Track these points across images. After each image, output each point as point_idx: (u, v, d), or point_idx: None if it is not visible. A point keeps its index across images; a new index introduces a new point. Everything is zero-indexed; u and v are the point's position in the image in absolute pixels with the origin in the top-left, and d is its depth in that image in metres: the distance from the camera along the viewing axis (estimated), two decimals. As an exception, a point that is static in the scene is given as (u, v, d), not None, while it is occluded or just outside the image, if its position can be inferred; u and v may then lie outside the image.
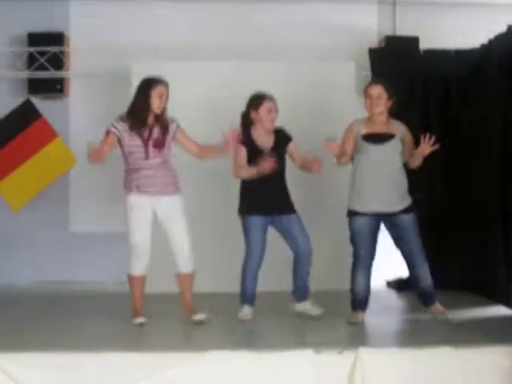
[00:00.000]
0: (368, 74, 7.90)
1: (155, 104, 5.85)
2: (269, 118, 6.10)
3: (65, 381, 4.79)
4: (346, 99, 7.55)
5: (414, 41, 8.13)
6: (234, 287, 6.29)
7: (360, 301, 6.10)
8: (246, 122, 6.20)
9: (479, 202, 6.94)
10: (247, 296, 6.19)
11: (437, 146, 5.95)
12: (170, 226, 5.95)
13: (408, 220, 6.00)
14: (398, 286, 7.71)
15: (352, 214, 6.03)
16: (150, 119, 5.91)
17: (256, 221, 6.08)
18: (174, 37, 8.19)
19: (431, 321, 6.05)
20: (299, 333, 5.74)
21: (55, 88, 8.28)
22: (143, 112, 5.87)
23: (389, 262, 7.93)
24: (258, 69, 7.61)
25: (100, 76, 8.22)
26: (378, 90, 6.05)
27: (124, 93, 7.67)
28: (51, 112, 8.00)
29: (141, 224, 5.89)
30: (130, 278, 6.05)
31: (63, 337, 5.55)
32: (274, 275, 6.75)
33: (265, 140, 6.17)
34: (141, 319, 5.93)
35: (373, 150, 5.98)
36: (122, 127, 5.90)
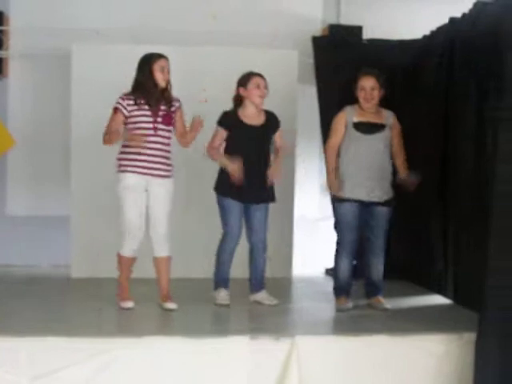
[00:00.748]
0: (311, 61, 7.91)
1: (159, 77, 5.81)
2: (257, 93, 6.07)
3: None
4: (288, 87, 7.55)
5: (358, 30, 8.14)
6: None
7: (344, 286, 6.15)
8: (236, 102, 6.19)
9: (418, 193, 7.00)
10: (223, 279, 6.19)
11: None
12: (153, 208, 5.87)
13: (384, 212, 6.10)
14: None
15: (338, 200, 6.10)
16: (157, 94, 5.83)
17: (232, 204, 6.07)
18: (116, 19, 8.08)
19: (368, 309, 6.11)
20: (237, 319, 5.74)
21: (-6, 68, 8.12)
22: (149, 86, 5.80)
23: (328, 250, 8.02)
24: (200, 54, 7.59)
25: (40, 57, 8.06)
26: (371, 83, 6.07)
27: (64, 74, 7.63)
28: (-11, 92, 7.85)
29: (136, 205, 5.79)
30: (120, 258, 5.96)
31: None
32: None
33: (254, 119, 6.15)
34: (129, 303, 5.88)
35: (363, 139, 6.02)
36: (128, 103, 5.80)
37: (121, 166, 5.83)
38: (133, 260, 5.99)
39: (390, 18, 8.33)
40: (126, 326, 5.50)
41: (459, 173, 6.27)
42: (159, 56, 5.88)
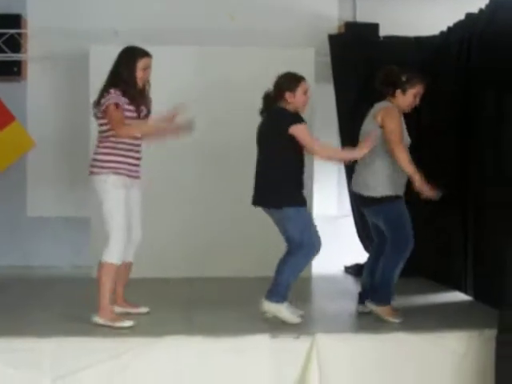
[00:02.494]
0: (328, 60, 7.91)
1: (140, 76, 5.48)
2: (304, 101, 5.66)
3: (21, 366, 4.78)
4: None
5: (374, 27, 8.14)
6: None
7: (392, 294, 5.74)
8: (270, 101, 5.69)
9: (438, 189, 6.99)
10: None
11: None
12: (134, 211, 5.60)
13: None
14: (355, 271, 7.75)
15: (395, 198, 5.69)
16: (138, 94, 5.50)
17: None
18: (134, 20, 8.12)
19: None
20: (257, 318, 5.75)
21: (12, 71, 8.15)
22: (132, 85, 5.45)
23: (347, 248, 8.03)
24: (217, 54, 7.61)
25: (58, 59, 8.11)
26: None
27: (82, 75, 7.66)
28: (8, 95, 7.90)
29: (122, 207, 5.39)
30: (110, 267, 5.39)
31: (19, 322, 5.51)
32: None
33: None
34: (129, 323, 5.35)
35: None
36: (118, 97, 5.36)
37: (111, 167, 5.37)
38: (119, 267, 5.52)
39: (406, 14, 8.31)
40: (146, 325, 5.51)
41: (479, 170, 6.24)
42: (144, 53, 5.57)
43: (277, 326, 5.31)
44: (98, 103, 5.45)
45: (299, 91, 5.61)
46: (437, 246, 7.09)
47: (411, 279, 7.20)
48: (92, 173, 5.44)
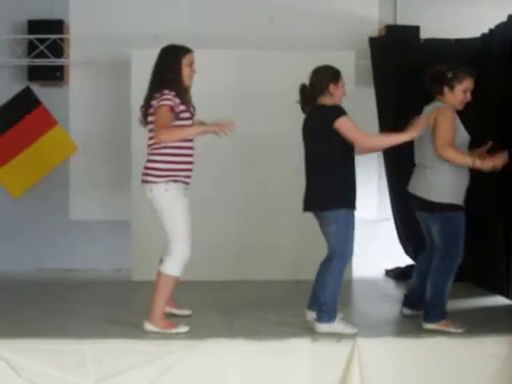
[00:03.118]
0: (368, 63, 7.89)
1: (188, 74, 5.31)
2: (343, 93, 5.56)
3: (64, 367, 4.84)
4: (346, 88, 7.51)
5: (415, 30, 8.11)
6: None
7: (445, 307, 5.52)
8: (308, 95, 5.52)
9: (480, 195, 6.94)
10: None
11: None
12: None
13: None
14: (396, 274, 7.73)
15: (456, 208, 5.49)
16: (188, 94, 5.34)
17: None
18: (174, 25, 8.16)
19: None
20: (298, 321, 5.74)
21: (55, 75, 8.26)
22: (181, 84, 5.25)
23: (388, 251, 8.00)
24: (259, 57, 7.64)
25: (99, 64, 8.22)
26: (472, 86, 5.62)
27: (124, 80, 7.73)
28: (51, 99, 7.99)
29: (186, 216, 5.25)
30: (170, 279, 5.28)
31: (61, 323, 5.59)
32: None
33: None
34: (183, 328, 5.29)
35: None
36: (176, 102, 5.17)
37: (170, 175, 5.20)
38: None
39: (447, 16, 8.27)
40: (188, 328, 5.55)
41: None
42: (187, 50, 5.39)
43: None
44: (146, 109, 5.31)
45: (341, 83, 5.51)
46: (479, 250, 7.02)
47: (455, 284, 7.14)
48: (148, 181, 5.25)
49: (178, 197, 5.21)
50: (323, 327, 5.25)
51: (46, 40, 8.12)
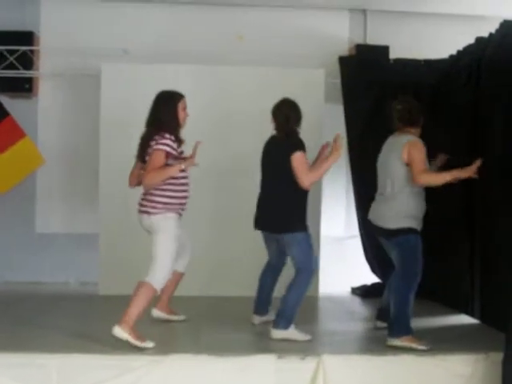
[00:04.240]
0: (338, 81, 7.95)
1: (181, 117, 5.71)
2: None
3: (28, 381, 4.81)
4: (314, 106, 7.57)
5: (384, 50, 8.18)
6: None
7: (409, 323, 5.64)
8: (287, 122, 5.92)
9: (444, 214, 7.00)
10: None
11: None
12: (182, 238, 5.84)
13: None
14: (362, 292, 7.76)
15: (414, 232, 5.71)
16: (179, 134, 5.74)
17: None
18: (143, 39, 8.20)
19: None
20: (264, 338, 5.74)
21: (24, 87, 8.20)
22: (175, 125, 5.66)
23: (353, 270, 8.04)
24: (227, 73, 7.65)
25: (69, 76, 8.19)
26: None
27: (93, 93, 7.72)
28: (20, 111, 7.93)
29: (176, 243, 5.61)
30: (151, 290, 5.52)
31: (27, 337, 5.52)
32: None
33: None
34: (150, 343, 5.35)
35: None
36: (172, 144, 5.56)
37: (169, 208, 5.57)
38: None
39: (416, 37, 8.37)
40: (154, 344, 5.54)
41: (486, 195, 6.24)
42: (181, 95, 5.78)
43: (283, 347, 5.32)
44: (144, 147, 5.65)
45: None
46: (444, 269, 7.08)
47: (418, 302, 7.19)
48: (148, 212, 5.60)
49: (173, 227, 5.58)
50: (279, 333, 5.62)
51: (15, 51, 8.08)
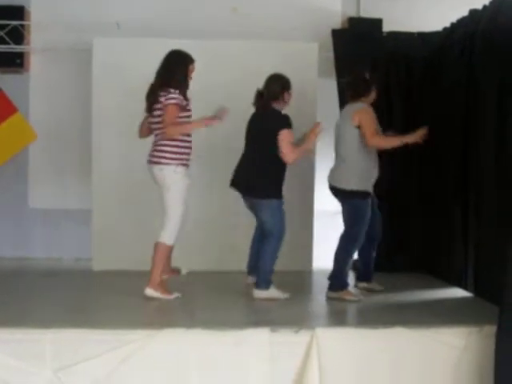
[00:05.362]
0: (331, 55, 7.91)
1: (189, 78, 6.11)
2: (287, 100, 6.32)
3: (22, 357, 4.80)
4: (308, 79, 7.55)
5: (378, 23, 8.12)
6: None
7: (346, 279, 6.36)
8: (274, 97, 6.25)
9: (439, 187, 7.01)
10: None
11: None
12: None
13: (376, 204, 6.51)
14: (355, 266, 7.75)
15: (362, 195, 6.21)
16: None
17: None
18: (136, 12, 8.13)
19: (389, 301, 6.15)
20: (257, 311, 5.76)
21: (15, 62, 8.15)
22: (184, 84, 6.07)
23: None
24: (221, 47, 7.59)
25: (61, 51, 8.12)
26: None
27: (85, 68, 7.67)
28: (11, 86, 7.85)
29: (185, 195, 6.04)
30: (165, 248, 6.05)
31: (20, 313, 5.52)
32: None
33: None
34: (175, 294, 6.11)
35: None
36: (180, 97, 5.98)
37: (179, 158, 5.99)
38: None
39: (409, 10, 8.31)
40: (147, 318, 5.53)
41: (480, 168, 6.24)
42: (193, 59, 6.15)
43: (277, 320, 5.32)
44: (153, 99, 5.99)
45: (291, 91, 6.31)
46: (438, 242, 7.10)
47: (413, 275, 7.26)
48: (160, 163, 5.98)
49: (183, 178, 6.01)
50: (260, 293, 6.12)
51: (6, 26, 8.01)
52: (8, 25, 8.02)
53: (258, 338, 4.98)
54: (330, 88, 7.84)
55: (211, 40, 7.68)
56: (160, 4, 8.22)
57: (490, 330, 4.93)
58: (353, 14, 8.45)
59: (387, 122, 7.48)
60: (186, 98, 6.04)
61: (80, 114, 8.00)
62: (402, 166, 7.55)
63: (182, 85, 6.02)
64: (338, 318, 5.72)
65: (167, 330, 4.95)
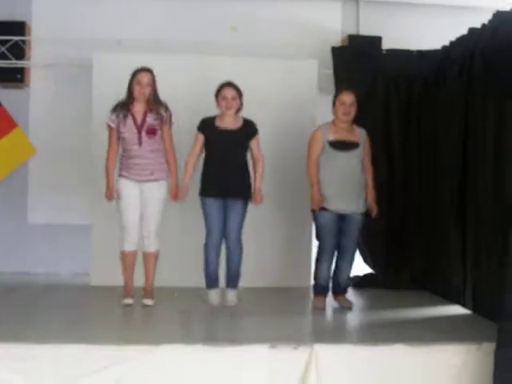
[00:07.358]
0: (330, 72, 7.93)
1: (136, 90, 6.24)
2: (223, 104, 6.46)
3: (20, 372, 4.78)
4: (308, 97, 7.57)
5: (377, 40, 8.17)
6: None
7: (324, 287, 6.53)
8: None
9: (438, 206, 7.01)
10: (211, 278, 6.48)
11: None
12: (146, 208, 6.35)
13: (357, 220, 6.42)
14: (355, 282, 7.75)
15: (320, 210, 6.37)
16: (141, 106, 6.30)
17: (211, 202, 6.39)
18: (137, 29, 8.15)
19: (388, 318, 6.13)
20: (257, 328, 5.74)
21: (16, 77, 8.17)
22: (127, 99, 6.29)
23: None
24: (221, 64, 7.58)
25: (61, 66, 8.14)
26: (351, 98, 6.41)
27: (85, 83, 7.67)
28: (11, 101, 7.84)
29: (129, 206, 6.30)
30: (122, 255, 6.40)
31: (19, 328, 5.48)
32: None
33: (230, 124, 6.45)
34: (128, 301, 6.35)
35: (339, 156, 6.34)
36: (115, 116, 6.28)
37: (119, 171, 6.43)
38: (133, 255, 6.44)
39: (409, 28, 8.35)
40: (145, 334, 5.52)
41: (479, 185, 6.24)
42: (139, 70, 6.32)
43: (276, 336, 5.31)
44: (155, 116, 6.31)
45: (220, 96, 6.54)
46: (437, 261, 7.10)
47: (412, 292, 7.24)
48: (162, 178, 6.37)
49: (121, 192, 6.38)
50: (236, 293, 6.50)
51: (7, 41, 8.04)
52: (9, 40, 8.04)
53: (257, 354, 4.97)
54: (329, 105, 7.83)
55: (210, 56, 7.70)
56: (161, 21, 8.26)
57: (489, 347, 4.93)
58: (352, 31, 8.49)
59: (386, 139, 7.51)
60: (125, 112, 6.29)
61: (80, 129, 7.99)
62: (402, 187, 7.57)
63: (125, 100, 6.33)
64: (337, 335, 5.69)
65: (166, 346, 4.94)
